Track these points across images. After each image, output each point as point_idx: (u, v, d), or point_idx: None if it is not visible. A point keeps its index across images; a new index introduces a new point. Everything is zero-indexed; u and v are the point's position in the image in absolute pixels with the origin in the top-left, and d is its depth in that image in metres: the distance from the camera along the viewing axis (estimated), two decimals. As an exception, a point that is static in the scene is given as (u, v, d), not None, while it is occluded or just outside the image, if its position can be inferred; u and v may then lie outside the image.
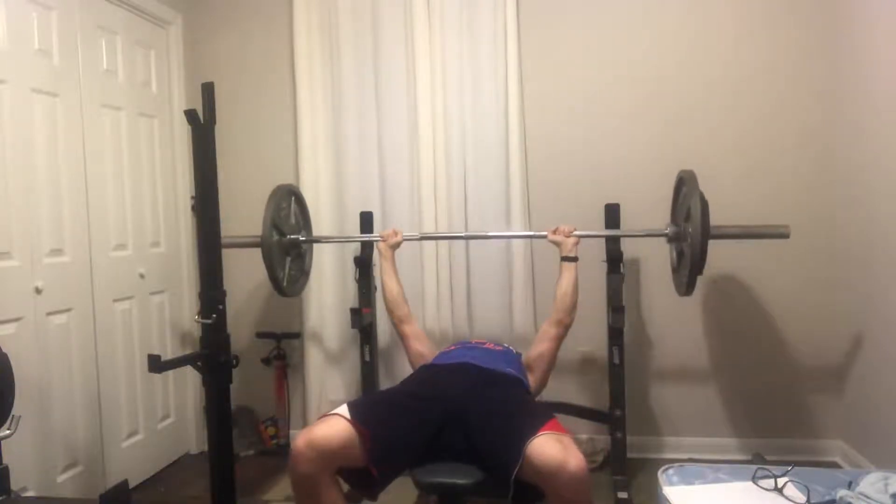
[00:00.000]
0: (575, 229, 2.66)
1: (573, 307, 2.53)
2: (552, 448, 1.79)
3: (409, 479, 2.02)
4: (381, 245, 2.81)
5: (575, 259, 2.60)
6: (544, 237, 2.71)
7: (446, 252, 3.28)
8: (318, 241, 3.13)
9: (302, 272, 3.03)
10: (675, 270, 2.70)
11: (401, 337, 2.71)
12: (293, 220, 2.93)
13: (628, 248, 2.94)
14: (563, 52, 3.26)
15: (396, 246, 2.82)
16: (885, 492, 1.63)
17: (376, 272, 3.22)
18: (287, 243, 2.86)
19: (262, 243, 2.69)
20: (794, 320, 3.16)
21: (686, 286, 2.45)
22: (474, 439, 1.99)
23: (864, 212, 2.85)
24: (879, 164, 2.72)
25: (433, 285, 3.28)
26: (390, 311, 2.72)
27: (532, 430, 1.86)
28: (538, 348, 2.53)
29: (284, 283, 2.83)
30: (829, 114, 3.08)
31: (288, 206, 2.90)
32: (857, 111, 2.91)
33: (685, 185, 2.47)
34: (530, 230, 3.25)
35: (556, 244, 2.66)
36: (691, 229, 2.33)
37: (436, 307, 3.28)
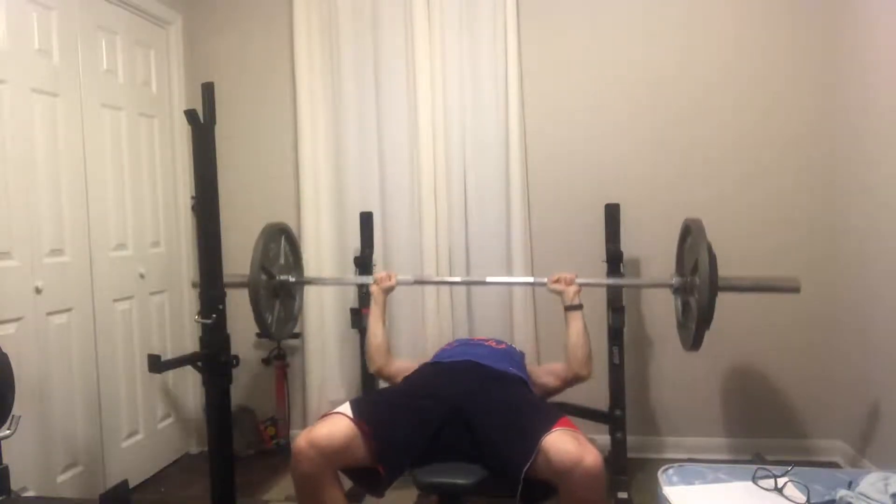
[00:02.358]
0: (576, 276, 2.50)
1: (588, 359, 2.40)
2: (568, 443, 1.79)
3: (410, 480, 2.02)
4: (374, 289, 2.63)
5: (580, 307, 2.45)
6: (544, 285, 2.56)
7: (446, 251, 3.28)
8: (308, 282, 2.98)
9: (291, 315, 2.85)
10: (682, 325, 2.54)
11: (386, 380, 2.61)
12: (283, 261, 2.76)
13: (628, 248, 2.94)
14: (563, 52, 3.26)
15: (390, 290, 2.66)
16: (885, 492, 1.63)
17: (376, 272, 3.23)
18: (276, 285, 2.67)
19: (249, 284, 2.49)
20: (793, 320, 3.16)
21: (693, 341, 2.30)
22: (479, 436, 1.99)
23: (865, 212, 2.85)
24: (880, 165, 2.72)
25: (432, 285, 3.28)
26: (371, 359, 2.57)
27: (547, 426, 1.86)
28: (545, 379, 2.46)
29: (273, 328, 2.66)
30: (829, 114, 3.08)
31: (278, 245, 2.73)
32: (857, 111, 2.91)
33: (691, 234, 2.34)
34: (530, 230, 3.26)
35: (558, 293, 2.51)
36: (699, 282, 2.19)
37: (436, 307, 3.28)
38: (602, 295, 2.87)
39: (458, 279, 3.24)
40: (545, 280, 2.57)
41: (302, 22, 3.33)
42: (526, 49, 3.24)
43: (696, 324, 2.25)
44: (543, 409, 2.06)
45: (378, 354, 2.55)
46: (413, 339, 3.33)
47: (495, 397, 2.10)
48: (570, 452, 1.76)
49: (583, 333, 2.42)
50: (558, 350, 2.55)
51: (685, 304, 2.48)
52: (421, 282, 3.03)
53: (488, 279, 3.01)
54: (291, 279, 2.76)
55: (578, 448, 1.78)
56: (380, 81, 3.32)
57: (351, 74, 3.33)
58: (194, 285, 2.57)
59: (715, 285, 2.18)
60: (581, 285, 2.50)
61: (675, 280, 2.52)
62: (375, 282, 2.66)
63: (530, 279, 3.10)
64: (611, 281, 2.77)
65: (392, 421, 2.00)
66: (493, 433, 1.97)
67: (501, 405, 2.05)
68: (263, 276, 2.58)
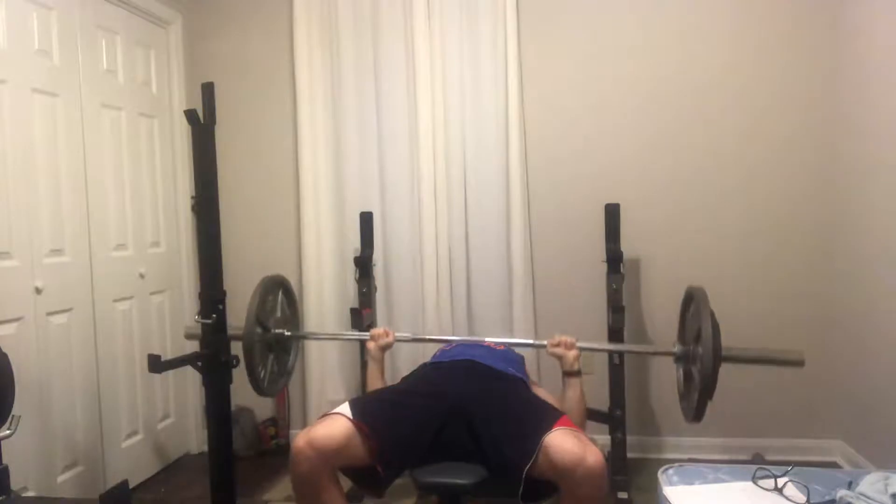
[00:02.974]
0: (577, 341, 2.37)
1: (582, 426, 2.24)
2: (570, 442, 1.79)
3: (409, 479, 2.02)
4: (371, 345, 2.51)
5: (579, 373, 2.33)
6: (544, 346, 2.42)
7: (446, 251, 3.27)
8: (304, 337, 2.90)
9: (284, 371, 2.74)
10: (683, 396, 2.48)
11: None
12: (279, 314, 2.67)
13: (628, 248, 2.94)
14: (563, 53, 3.26)
15: (387, 347, 2.53)
16: (885, 492, 1.63)
17: (376, 272, 3.23)
18: (271, 339, 2.58)
19: (243, 338, 2.39)
20: (793, 319, 3.16)
21: (695, 412, 2.24)
22: (480, 436, 1.99)
23: (864, 211, 2.85)
24: (879, 165, 2.72)
25: (433, 285, 3.27)
26: None
27: (548, 425, 1.87)
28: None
29: (265, 383, 2.55)
30: (829, 114, 3.08)
31: (275, 298, 2.65)
32: (857, 113, 2.91)
33: (694, 303, 2.29)
34: (530, 229, 3.26)
35: (557, 357, 2.37)
36: (702, 352, 2.15)
37: (435, 307, 3.28)
38: (602, 295, 2.87)
39: (456, 337, 2.98)
40: (545, 343, 2.44)
41: (302, 22, 3.33)
42: (526, 49, 3.24)
43: (698, 394, 2.19)
44: (544, 408, 2.06)
45: None
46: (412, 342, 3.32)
47: (496, 396, 2.10)
48: (572, 452, 1.77)
49: (580, 401, 2.30)
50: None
51: (687, 374, 2.42)
52: (420, 339, 2.85)
53: (487, 340, 2.71)
54: (287, 333, 2.66)
55: (580, 447, 1.78)
56: (380, 81, 3.31)
57: (351, 74, 3.33)
58: (187, 336, 2.52)
59: (718, 357, 2.14)
60: (581, 349, 2.38)
61: (677, 348, 2.45)
62: (372, 338, 2.53)
63: (530, 341, 2.88)
64: (612, 347, 2.72)
65: (392, 421, 2.00)
66: (494, 432, 1.97)
67: (502, 404, 2.06)
68: (258, 330, 2.49)
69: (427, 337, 2.96)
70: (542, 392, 2.48)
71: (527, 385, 2.33)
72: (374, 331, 2.55)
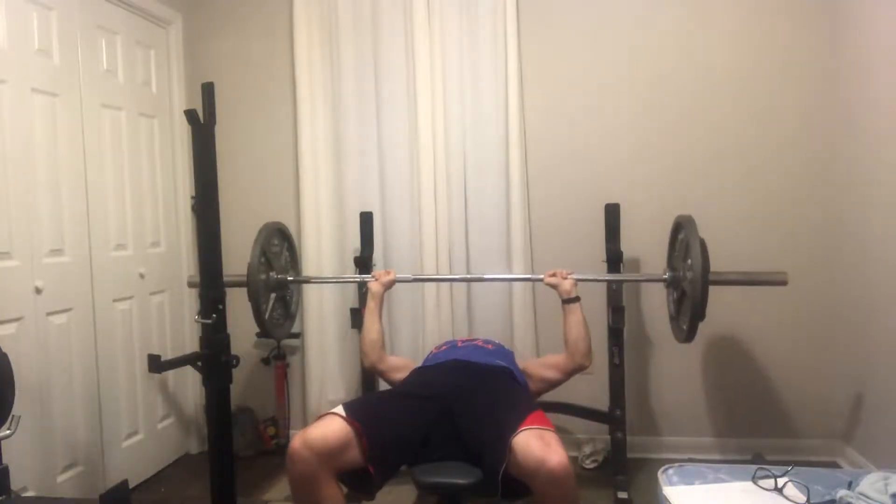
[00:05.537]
0: (572, 273, 2.55)
1: (589, 350, 2.43)
2: (532, 445, 1.80)
3: (409, 480, 2.02)
4: (373, 284, 2.65)
5: (577, 299, 2.49)
6: (541, 280, 2.61)
7: (446, 252, 3.27)
8: (306, 281, 2.97)
9: (288, 315, 2.86)
10: (674, 318, 2.60)
11: (380, 376, 2.63)
12: (282, 261, 2.77)
13: (628, 248, 2.94)
14: (563, 52, 3.26)
15: (389, 286, 2.68)
16: (885, 492, 1.63)
17: (376, 272, 3.23)
18: (273, 283, 2.68)
19: (248, 277, 2.49)
20: (793, 319, 3.16)
21: (687, 332, 2.35)
22: (464, 436, 2.01)
23: (864, 209, 2.85)
24: (879, 161, 2.72)
25: (433, 284, 3.27)
26: (365, 354, 2.58)
27: (514, 426, 1.88)
28: (547, 373, 2.48)
29: (269, 324, 2.66)
30: (828, 111, 3.08)
31: (279, 244, 2.77)
32: (856, 109, 2.91)
33: (683, 230, 2.39)
34: (530, 230, 3.26)
35: (553, 287, 2.55)
36: (691, 271, 2.26)
37: (436, 307, 3.28)
38: (602, 295, 2.87)
39: (456, 276, 3.24)
40: (542, 276, 2.61)
41: (302, 22, 3.33)
42: (526, 49, 3.24)
43: (689, 317, 2.29)
44: (516, 406, 2.05)
45: (372, 350, 2.56)
46: (412, 339, 3.33)
47: (480, 396, 2.12)
48: (533, 455, 1.77)
49: (582, 325, 2.44)
50: (558, 349, 2.56)
51: (678, 298, 2.52)
52: (420, 279, 3.04)
53: (486, 276, 3.07)
54: (289, 277, 2.75)
55: (542, 449, 1.78)
56: (380, 81, 3.31)
57: (351, 74, 3.33)
58: (190, 285, 2.59)
59: (707, 279, 2.23)
60: (576, 280, 2.54)
61: (667, 275, 2.55)
62: (374, 277, 2.68)
63: (527, 275, 3.12)
64: (604, 276, 2.79)
65: (383, 420, 2.02)
66: (475, 432, 1.99)
67: (481, 404, 2.07)
68: (262, 275, 2.57)
69: (426, 276, 3.17)
70: (536, 362, 2.59)
71: (514, 375, 2.35)
72: (377, 272, 2.73)
